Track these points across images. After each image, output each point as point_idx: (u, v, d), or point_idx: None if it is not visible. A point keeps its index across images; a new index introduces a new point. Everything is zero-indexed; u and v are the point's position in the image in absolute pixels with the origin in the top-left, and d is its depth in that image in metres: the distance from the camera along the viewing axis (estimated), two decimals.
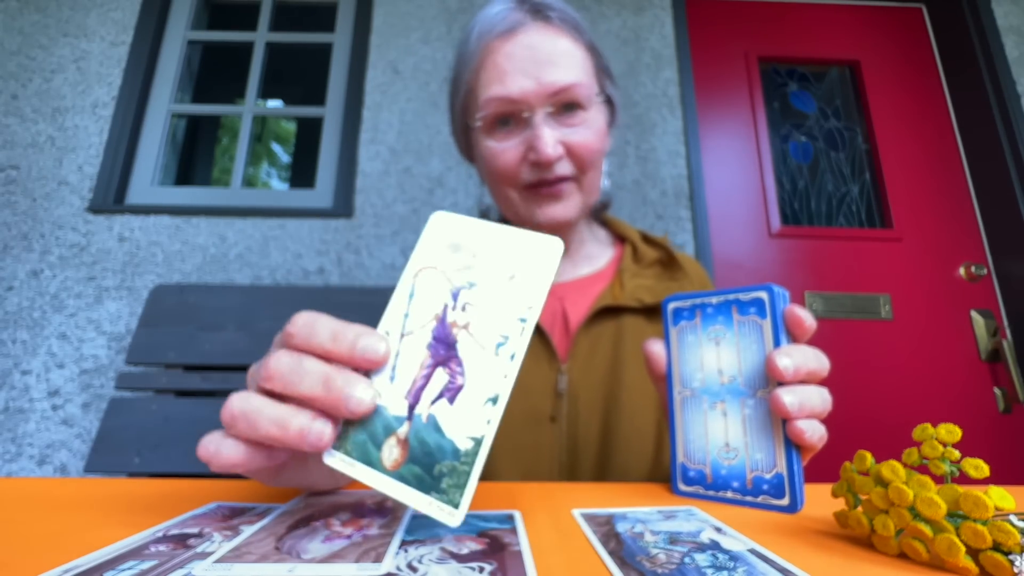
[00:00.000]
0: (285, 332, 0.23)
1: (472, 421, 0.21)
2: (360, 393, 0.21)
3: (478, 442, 0.21)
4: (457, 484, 0.21)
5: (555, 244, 0.24)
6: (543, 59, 0.48)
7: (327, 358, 0.22)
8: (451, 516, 0.20)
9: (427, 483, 0.21)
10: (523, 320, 0.22)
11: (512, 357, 0.22)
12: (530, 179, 0.51)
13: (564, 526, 0.26)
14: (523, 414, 0.51)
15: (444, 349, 0.23)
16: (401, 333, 0.24)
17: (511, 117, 0.50)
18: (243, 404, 0.22)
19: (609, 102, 0.56)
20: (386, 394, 0.23)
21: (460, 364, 0.22)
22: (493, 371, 0.22)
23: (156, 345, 1.14)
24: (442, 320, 0.23)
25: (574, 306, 0.56)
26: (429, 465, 0.21)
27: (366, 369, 0.23)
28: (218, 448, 0.22)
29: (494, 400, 0.21)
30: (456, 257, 0.25)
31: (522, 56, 0.48)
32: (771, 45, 1.65)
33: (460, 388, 0.22)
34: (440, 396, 0.22)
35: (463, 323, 0.23)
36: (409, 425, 0.22)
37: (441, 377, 0.22)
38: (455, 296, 0.24)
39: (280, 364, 0.22)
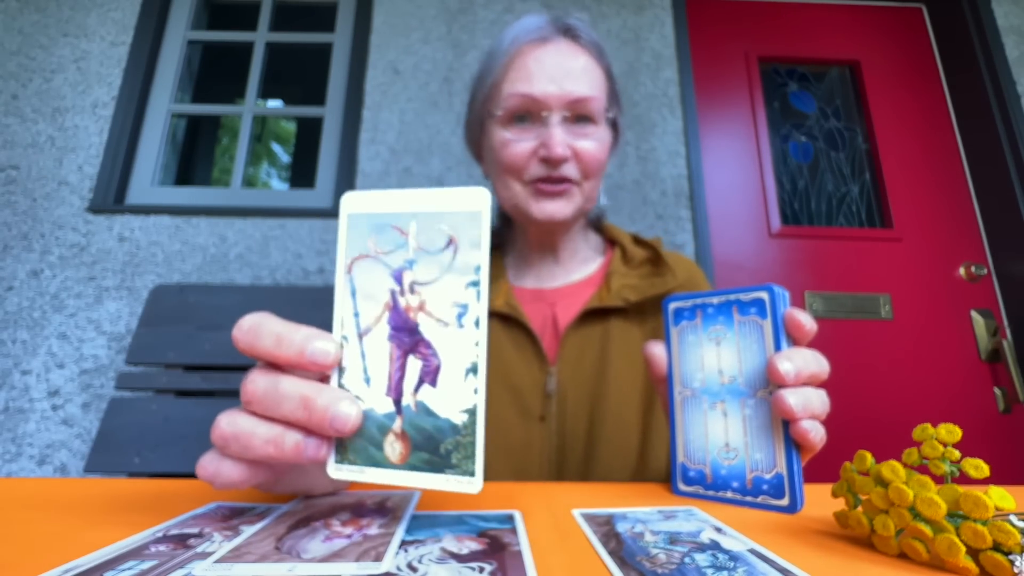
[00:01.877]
0: (232, 336, 0.23)
1: (460, 395, 0.21)
2: (344, 411, 0.21)
3: (472, 412, 0.21)
4: (466, 455, 0.21)
5: (481, 194, 0.22)
6: (568, 71, 0.53)
7: (274, 363, 0.22)
8: (471, 484, 0.21)
9: (438, 464, 0.21)
10: (475, 284, 0.22)
11: (477, 323, 0.22)
12: (537, 174, 0.53)
13: (564, 526, 0.26)
14: (514, 414, 0.53)
15: (407, 336, 0.22)
16: (359, 334, 0.23)
17: (529, 115, 0.54)
18: (232, 426, 0.22)
19: (615, 126, 0.59)
20: (367, 397, 0.22)
21: (429, 346, 0.22)
22: (464, 342, 0.22)
23: (156, 345, 1.14)
24: (395, 308, 0.23)
25: (564, 310, 0.58)
26: (434, 447, 0.21)
27: (317, 372, 0.22)
28: (217, 469, 0.22)
29: (474, 370, 0.21)
30: (384, 238, 0.23)
31: (550, 63, 0.53)
32: (771, 45, 1.65)
33: (438, 368, 0.22)
34: (421, 382, 0.22)
35: (417, 304, 0.22)
36: (401, 418, 0.22)
37: (415, 364, 0.22)
38: (398, 279, 0.23)
39: (256, 387, 0.22)
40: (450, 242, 0.22)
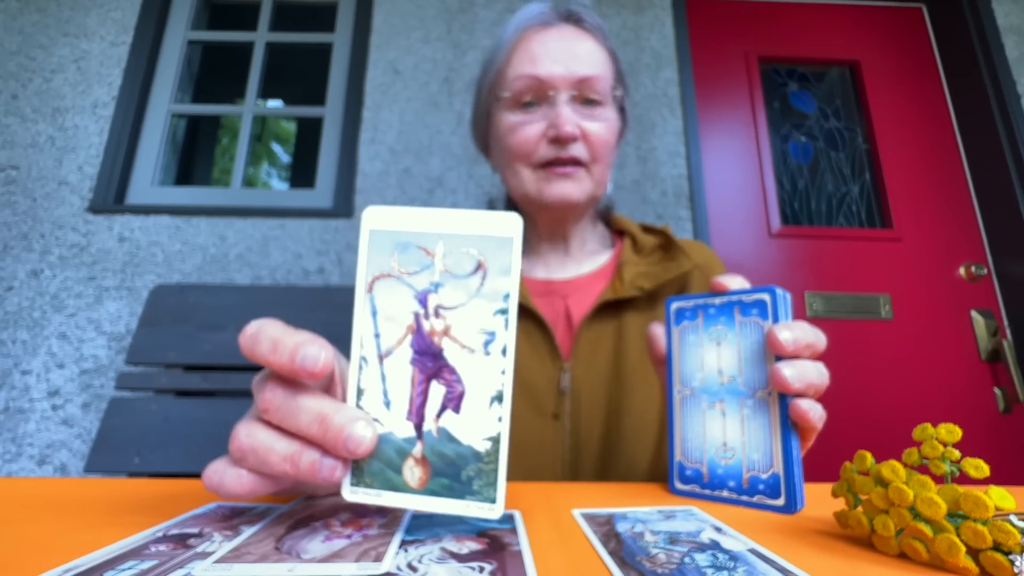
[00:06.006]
0: (238, 340, 0.23)
1: (483, 423, 0.21)
2: (359, 432, 0.21)
3: (496, 440, 0.21)
4: (488, 483, 0.21)
5: (513, 220, 0.22)
6: (572, 52, 0.53)
7: (270, 368, 0.22)
8: (491, 511, 0.21)
9: (458, 490, 0.21)
10: (503, 312, 0.21)
11: (504, 352, 0.21)
12: (546, 156, 0.53)
13: (564, 526, 0.26)
14: (527, 412, 0.52)
15: (431, 361, 0.22)
16: (379, 355, 0.22)
17: (536, 97, 0.53)
18: (251, 440, 0.22)
19: (622, 111, 0.59)
20: (386, 420, 0.22)
21: (453, 372, 0.22)
22: (489, 370, 0.21)
23: (156, 345, 1.14)
24: (418, 331, 0.22)
25: (577, 304, 0.57)
26: (455, 474, 0.21)
27: (308, 380, 0.22)
28: (222, 480, 0.22)
29: (499, 398, 0.21)
30: (408, 257, 0.22)
31: (554, 46, 0.53)
32: (771, 45, 1.65)
33: (462, 395, 0.21)
34: (444, 408, 0.22)
35: (442, 329, 0.22)
36: (422, 444, 0.22)
37: (438, 389, 0.22)
38: (422, 302, 0.22)
39: (275, 397, 0.22)
40: (479, 267, 0.22)
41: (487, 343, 0.21)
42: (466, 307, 0.22)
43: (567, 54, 0.53)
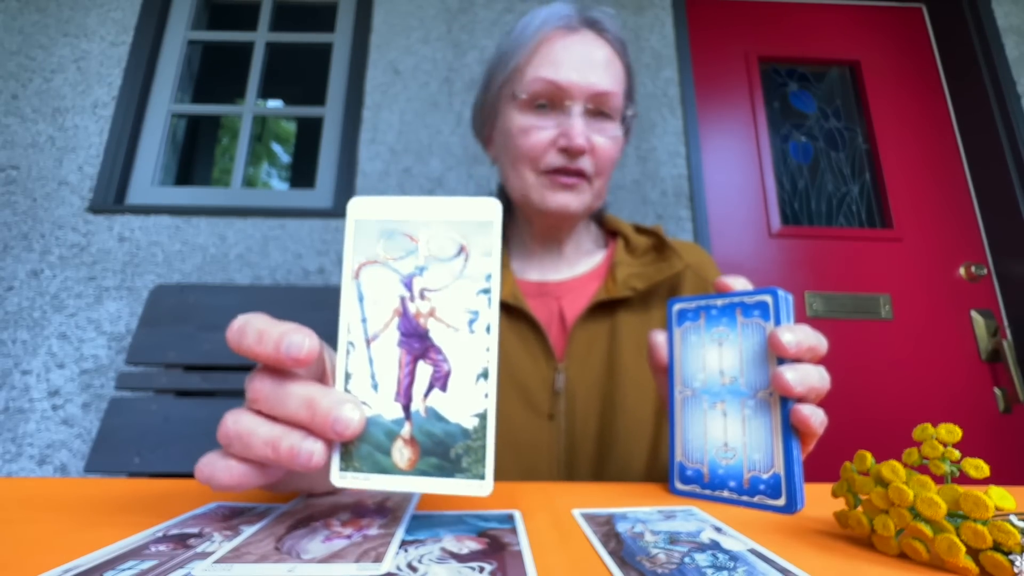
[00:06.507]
0: (225, 336, 0.23)
1: (470, 400, 0.21)
2: (347, 414, 0.21)
3: (483, 416, 0.21)
4: (477, 459, 0.21)
5: (493, 204, 0.23)
6: (593, 63, 0.53)
7: (260, 360, 0.22)
8: (481, 487, 0.21)
9: (448, 468, 0.21)
10: (486, 292, 0.22)
11: (488, 329, 0.22)
12: (554, 164, 0.53)
13: (564, 526, 0.26)
14: (521, 412, 0.52)
15: (417, 342, 0.22)
16: (366, 340, 0.23)
17: (551, 102, 0.53)
18: (236, 425, 0.22)
19: (627, 127, 0.59)
20: (374, 403, 0.22)
21: (439, 351, 0.22)
22: (475, 348, 0.22)
23: (156, 345, 1.14)
24: (404, 314, 0.23)
25: (571, 305, 0.57)
26: (444, 452, 0.21)
27: (294, 368, 0.22)
28: (212, 471, 0.22)
29: (485, 375, 0.22)
30: (393, 244, 0.23)
31: (577, 53, 0.53)
32: (771, 45, 1.65)
33: (448, 373, 0.22)
34: (431, 387, 0.22)
35: (427, 311, 0.22)
36: (410, 424, 0.22)
37: (425, 369, 0.22)
38: (408, 286, 0.23)
39: (263, 386, 0.22)
40: (461, 250, 0.22)
41: (471, 322, 0.22)
42: (450, 288, 0.22)
43: (588, 64, 0.52)
